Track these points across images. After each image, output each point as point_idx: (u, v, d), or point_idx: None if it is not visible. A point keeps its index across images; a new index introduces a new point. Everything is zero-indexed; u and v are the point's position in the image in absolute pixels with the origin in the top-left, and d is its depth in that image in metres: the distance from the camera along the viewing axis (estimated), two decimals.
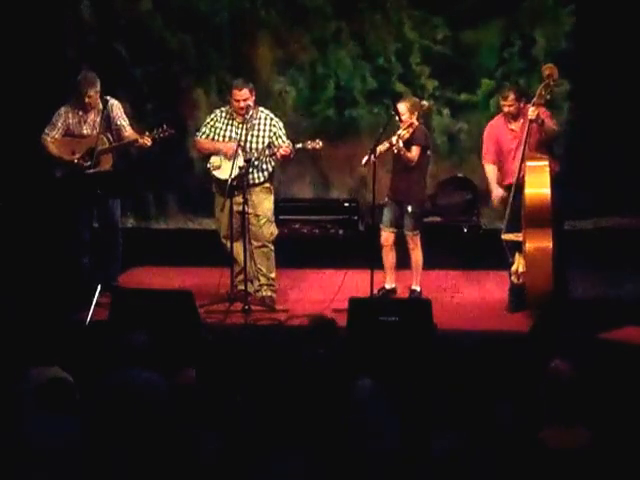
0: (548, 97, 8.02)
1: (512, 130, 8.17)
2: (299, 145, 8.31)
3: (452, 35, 10.31)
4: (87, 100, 8.48)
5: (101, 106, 8.53)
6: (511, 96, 8.11)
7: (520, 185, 7.96)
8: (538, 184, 7.83)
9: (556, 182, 7.88)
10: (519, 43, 10.27)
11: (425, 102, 8.54)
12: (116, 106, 8.63)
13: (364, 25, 10.43)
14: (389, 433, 5.30)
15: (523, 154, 7.96)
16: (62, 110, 8.61)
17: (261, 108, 8.45)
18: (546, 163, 7.89)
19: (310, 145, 8.31)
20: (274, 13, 10.51)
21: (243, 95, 8.29)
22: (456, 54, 10.34)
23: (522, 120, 8.10)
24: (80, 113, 8.56)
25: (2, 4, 10.18)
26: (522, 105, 8.12)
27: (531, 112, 7.90)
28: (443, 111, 10.40)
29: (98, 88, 8.50)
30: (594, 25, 9.93)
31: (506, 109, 8.15)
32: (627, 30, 9.80)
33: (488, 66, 10.33)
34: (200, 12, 10.54)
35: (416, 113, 8.30)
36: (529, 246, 7.86)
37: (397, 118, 8.26)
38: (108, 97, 8.57)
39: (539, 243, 7.83)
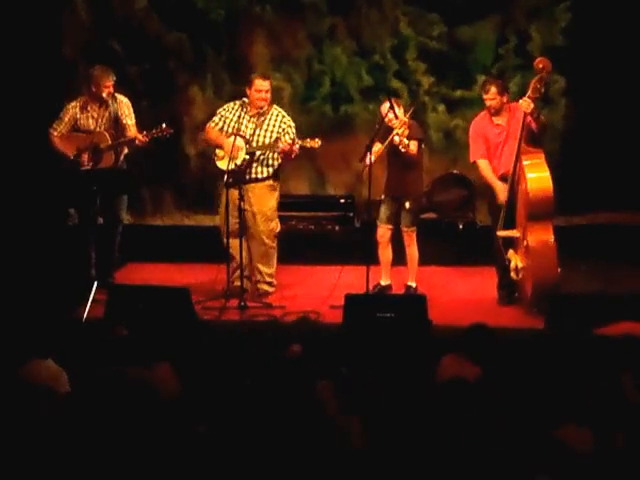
0: (542, 90, 7.98)
1: (498, 125, 8.16)
2: (298, 143, 8.31)
3: (448, 31, 10.30)
4: (105, 91, 8.47)
5: (110, 102, 8.55)
6: (492, 89, 8.10)
7: (513, 182, 7.98)
8: (540, 180, 7.86)
9: None
10: (515, 39, 10.26)
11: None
12: (124, 104, 8.64)
13: (360, 21, 10.42)
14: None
15: (518, 149, 7.94)
16: (70, 105, 8.64)
17: (275, 105, 8.48)
18: (542, 157, 7.92)
19: (308, 144, 8.30)
20: (269, 9, 10.49)
21: (266, 86, 8.31)
22: (452, 50, 10.33)
23: (507, 115, 8.10)
24: (89, 109, 8.56)
25: None
26: (505, 100, 8.11)
27: (525, 104, 7.85)
28: (439, 107, 10.40)
29: (114, 80, 8.52)
30: (589, 21, 9.93)
31: (488, 103, 8.13)
32: (622, 26, 9.81)
33: (484, 62, 10.31)
34: (196, 9, 10.53)
35: (402, 109, 8.34)
36: (532, 241, 7.88)
37: (391, 115, 8.23)
38: (117, 94, 8.59)
39: (542, 236, 7.87)
